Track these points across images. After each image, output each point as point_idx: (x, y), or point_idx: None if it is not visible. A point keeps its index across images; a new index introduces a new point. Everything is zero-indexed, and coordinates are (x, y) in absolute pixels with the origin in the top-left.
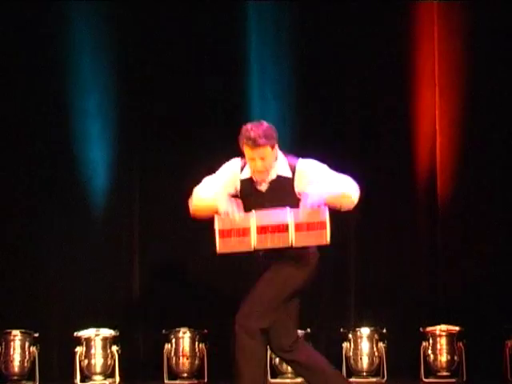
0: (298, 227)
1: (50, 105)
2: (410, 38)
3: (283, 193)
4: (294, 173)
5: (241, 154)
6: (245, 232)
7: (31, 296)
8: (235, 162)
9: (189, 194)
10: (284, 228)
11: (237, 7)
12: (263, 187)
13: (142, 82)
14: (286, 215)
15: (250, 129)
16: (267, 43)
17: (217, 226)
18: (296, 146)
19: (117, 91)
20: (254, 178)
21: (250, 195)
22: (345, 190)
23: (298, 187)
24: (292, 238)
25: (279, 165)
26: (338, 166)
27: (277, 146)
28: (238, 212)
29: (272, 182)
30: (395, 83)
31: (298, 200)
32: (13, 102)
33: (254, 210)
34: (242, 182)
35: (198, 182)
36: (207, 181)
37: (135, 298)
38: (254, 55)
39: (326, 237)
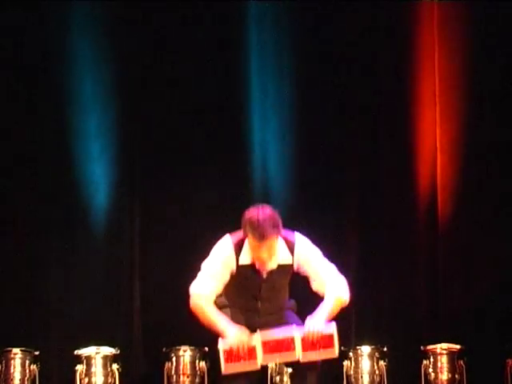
0: (305, 346)
1: (50, 125)
2: (410, 56)
3: (282, 278)
4: (292, 256)
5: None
6: (251, 354)
7: (32, 314)
8: (227, 246)
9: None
10: (291, 347)
11: (239, 26)
12: (263, 275)
13: (142, 101)
14: (291, 333)
15: (257, 219)
16: (268, 56)
17: (221, 347)
18: (295, 162)
19: (117, 111)
20: (256, 266)
21: (246, 280)
22: (339, 294)
23: (298, 268)
24: (299, 355)
25: (279, 250)
26: (337, 183)
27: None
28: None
29: (273, 271)
30: (396, 101)
31: (293, 275)
32: (13, 122)
33: (258, 330)
34: (241, 267)
35: (200, 201)
36: (203, 276)
37: (136, 316)
38: (255, 71)
39: (335, 352)
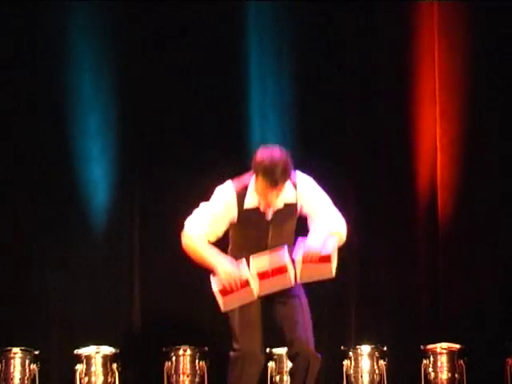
0: (304, 262)
1: (50, 124)
2: (411, 55)
3: (288, 219)
4: (296, 194)
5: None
6: (244, 283)
7: (32, 313)
8: (229, 191)
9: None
10: (284, 269)
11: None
12: (268, 216)
13: (141, 100)
14: (284, 256)
15: (269, 162)
16: (267, 55)
17: (215, 288)
18: (295, 162)
19: (117, 110)
20: (262, 208)
21: (252, 224)
22: (338, 228)
23: (301, 209)
24: (296, 277)
25: (285, 189)
26: (337, 183)
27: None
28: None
29: (278, 210)
30: (396, 101)
31: (296, 219)
32: (13, 122)
33: (251, 257)
34: (246, 211)
35: (197, 201)
36: (199, 215)
37: (136, 315)
38: (254, 70)
39: (331, 270)
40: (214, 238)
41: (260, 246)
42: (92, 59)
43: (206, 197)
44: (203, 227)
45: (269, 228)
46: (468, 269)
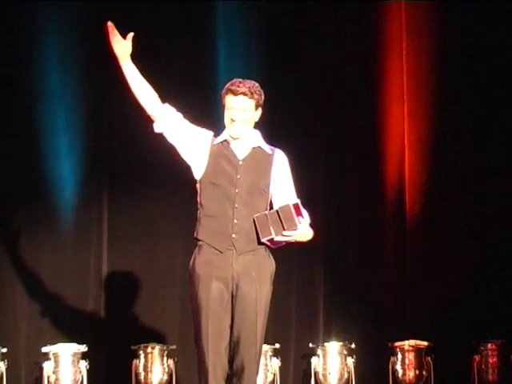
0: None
1: (18, 121)
2: (378, 54)
3: (259, 170)
4: (273, 152)
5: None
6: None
7: None
8: (209, 133)
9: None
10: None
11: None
12: (240, 154)
13: (108, 93)
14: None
15: (236, 80)
16: (235, 53)
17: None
18: None
19: (85, 106)
20: (231, 139)
21: (222, 162)
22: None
23: (275, 170)
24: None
25: (260, 139)
26: (303, 180)
27: (260, 112)
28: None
29: (252, 152)
30: (363, 98)
31: (269, 192)
32: None
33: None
34: (216, 146)
35: (171, 200)
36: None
37: (103, 312)
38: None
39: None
40: (169, 120)
41: (226, 183)
42: (60, 56)
43: (177, 197)
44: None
45: (239, 169)
46: (435, 267)
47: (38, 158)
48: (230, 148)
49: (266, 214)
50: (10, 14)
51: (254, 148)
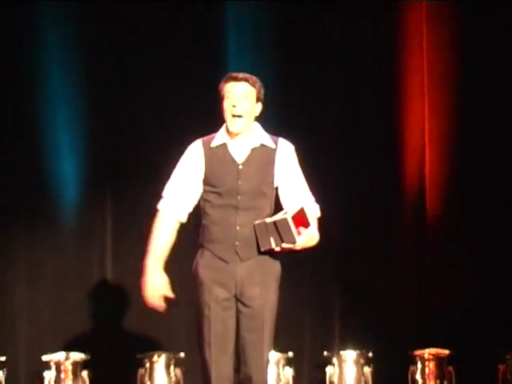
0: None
1: (19, 118)
2: (398, 49)
3: (261, 171)
4: (276, 145)
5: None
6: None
7: None
8: (196, 143)
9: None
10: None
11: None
12: (240, 157)
13: (112, 91)
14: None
15: (234, 72)
16: (247, 49)
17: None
18: None
19: (87, 102)
20: (229, 139)
21: (221, 167)
22: (318, 213)
23: (279, 166)
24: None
25: (261, 133)
26: (318, 179)
27: (260, 107)
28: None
29: (253, 152)
30: (382, 94)
31: (273, 191)
32: None
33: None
34: (212, 151)
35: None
36: (170, 181)
37: (107, 319)
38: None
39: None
40: (189, 207)
41: (227, 193)
42: (61, 52)
43: None
44: (174, 196)
45: (239, 174)
46: (457, 271)
47: (39, 157)
48: (228, 151)
49: (265, 223)
50: (10, 11)
51: (254, 148)
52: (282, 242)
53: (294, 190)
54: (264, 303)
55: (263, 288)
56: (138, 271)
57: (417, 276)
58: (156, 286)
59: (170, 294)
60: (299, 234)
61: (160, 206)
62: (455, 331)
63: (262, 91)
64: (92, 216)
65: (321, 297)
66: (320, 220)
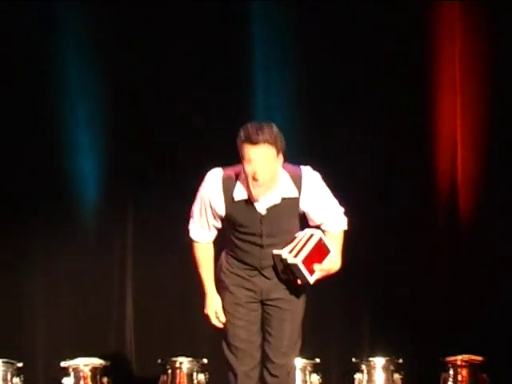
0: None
1: (38, 116)
2: (429, 43)
3: (286, 216)
4: (299, 189)
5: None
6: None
7: (15, 323)
8: (213, 179)
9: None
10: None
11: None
12: (262, 207)
13: (132, 90)
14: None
15: (250, 125)
16: (272, 47)
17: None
18: (302, 159)
19: (106, 100)
20: (253, 198)
21: (243, 218)
22: (342, 227)
23: (303, 204)
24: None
25: (283, 183)
26: (348, 181)
27: (281, 158)
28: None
29: (274, 206)
30: (413, 91)
31: (298, 219)
32: None
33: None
34: (235, 204)
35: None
36: (193, 223)
37: (128, 324)
38: (259, 61)
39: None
40: (217, 230)
41: (251, 236)
42: (80, 50)
43: None
44: (201, 228)
45: (262, 224)
46: (491, 272)
47: (58, 156)
48: (250, 204)
49: (281, 257)
50: (28, 10)
51: (279, 203)
52: (296, 279)
53: (320, 214)
54: (291, 307)
55: (291, 292)
56: (159, 275)
57: (449, 279)
58: (215, 307)
59: (223, 318)
60: (313, 272)
61: (192, 235)
62: (489, 337)
63: (282, 142)
64: (112, 216)
65: (349, 301)
66: (349, 226)
